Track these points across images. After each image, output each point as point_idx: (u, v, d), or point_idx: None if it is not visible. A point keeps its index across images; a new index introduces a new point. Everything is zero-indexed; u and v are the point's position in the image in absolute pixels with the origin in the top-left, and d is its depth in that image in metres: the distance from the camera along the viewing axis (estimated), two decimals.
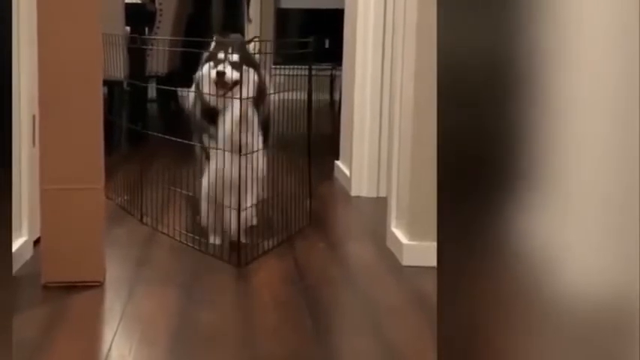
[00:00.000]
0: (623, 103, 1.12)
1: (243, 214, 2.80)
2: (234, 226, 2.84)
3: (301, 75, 3.16)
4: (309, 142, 3.27)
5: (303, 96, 3.16)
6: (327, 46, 4.79)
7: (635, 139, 1.10)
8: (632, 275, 1.12)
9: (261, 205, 3.19)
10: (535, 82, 1.18)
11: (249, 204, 2.86)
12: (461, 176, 1.23)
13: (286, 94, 3.06)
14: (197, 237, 2.97)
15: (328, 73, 5.82)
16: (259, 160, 2.93)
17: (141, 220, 3.27)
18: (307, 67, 3.18)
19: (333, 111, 5.42)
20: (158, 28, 5.41)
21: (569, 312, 1.17)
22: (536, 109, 1.18)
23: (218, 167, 2.85)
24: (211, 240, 2.96)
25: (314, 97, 3.19)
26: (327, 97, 5.43)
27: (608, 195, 1.16)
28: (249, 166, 2.80)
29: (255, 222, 3.21)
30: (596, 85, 1.15)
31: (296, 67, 3.20)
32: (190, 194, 3.10)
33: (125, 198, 3.55)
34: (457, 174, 1.24)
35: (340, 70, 4.73)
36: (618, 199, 1.14)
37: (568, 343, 1.18)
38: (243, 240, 2.84)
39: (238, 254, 2.76)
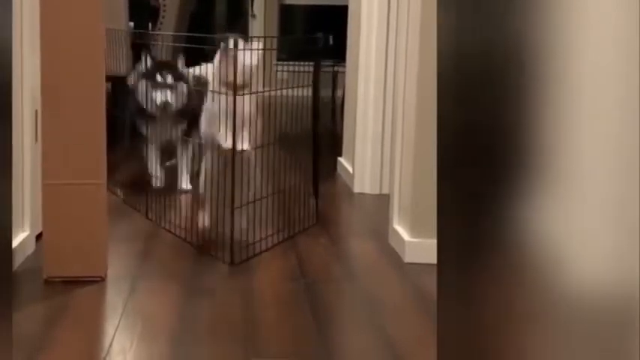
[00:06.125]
0: (627, 98, 1.11)
1: (237, 211, 2.80)
2: (234, 223, 2.84)
3: (304, 72, 3.15)
4: (315, 140, 3.26)
5: (305, 92, 3.15)
6: (331, 42, 4.78)
7: (637, 134, 1.10)
8: (634, 272, 1.12)
9: (265, 202, 3.19)
10: (535, 78, 1.17)
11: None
12: (461, 173, 1.23)
13: (290, 90, 3.06)
14: (197, 234, 2.98)
15: (329, 69, 5.82)
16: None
17: (146, 215, 3.27)
18: (312, 63, 3.17)
19: (334, 107, 5.42)
20: (161, 24, 5.41)
21: (571, 309, 1.17)
22: (536, 106, 1.17)
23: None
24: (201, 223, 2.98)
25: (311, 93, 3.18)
26: (328, 93, 5.44)
27: (612, 192, 1.15)
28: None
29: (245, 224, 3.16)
30: (598, 79, 1.15)
31: (300, 63, 3.19)
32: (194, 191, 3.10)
33: (122, 192, 3.56)
34: (457, 171, 1.24)
35: (342, 66, 4.72)
36: (622, 196, 1.14)
37: (570, 340, 1.18)
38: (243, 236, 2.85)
39: (231, 251, 2.75)
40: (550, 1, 1.16)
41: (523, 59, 1.17)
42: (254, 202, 2.98)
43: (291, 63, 3.21)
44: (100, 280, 2.52)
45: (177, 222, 3.09)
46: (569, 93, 1.16)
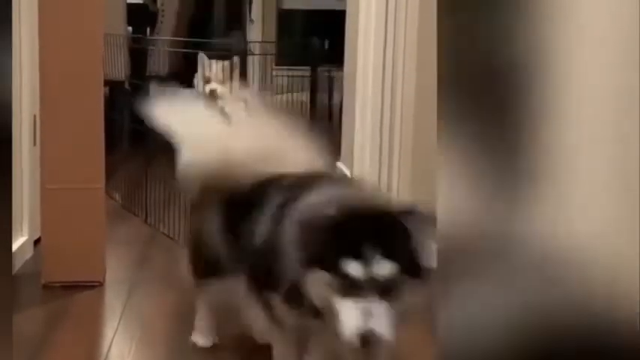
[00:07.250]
0: (627, 100, 1.11)
1: None
2: None
3: (301, 76, 3.16)
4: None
5: (301, 97, 3.15)
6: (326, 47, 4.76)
7: (636, 135, 1.10)
8: (634, 273, 1.12)
9: None
10: (536, 81, 1.18)
11: None
12: (461, 175, 1.23)
13: (286, 94, 3.06)
14: None
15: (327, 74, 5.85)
16: None
17: (145, 220, 3.27)
18: (309, 68, 3.18)
19: (331, 111, 5.44)
20: (160, 28, 5.41)
21: (571, 311, 1.17)
22: (537, 109, 1.18)
23: None
24: None
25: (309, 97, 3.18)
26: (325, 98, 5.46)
27: (612, 194, 1.15)
28: None
29: None
30: (598, 82, 1.15)
31: (297, 68, 3.19)
32: None
33: (120, 196, 3.55)
34: (457, 172, 1.24)
35: (339, 70, 4.72)
36: (622, 199, 1.14)
37: (569, 342, 1.18)
38: None
39: None
40: (551, 8, 1.17)
41: (524, 65, 1.18)
42: None
43: (285, 68, 3.19)
44: (98, 285, 2.51)
45: (177, 227, 3.08)
46: (570, 96, 1.16)
